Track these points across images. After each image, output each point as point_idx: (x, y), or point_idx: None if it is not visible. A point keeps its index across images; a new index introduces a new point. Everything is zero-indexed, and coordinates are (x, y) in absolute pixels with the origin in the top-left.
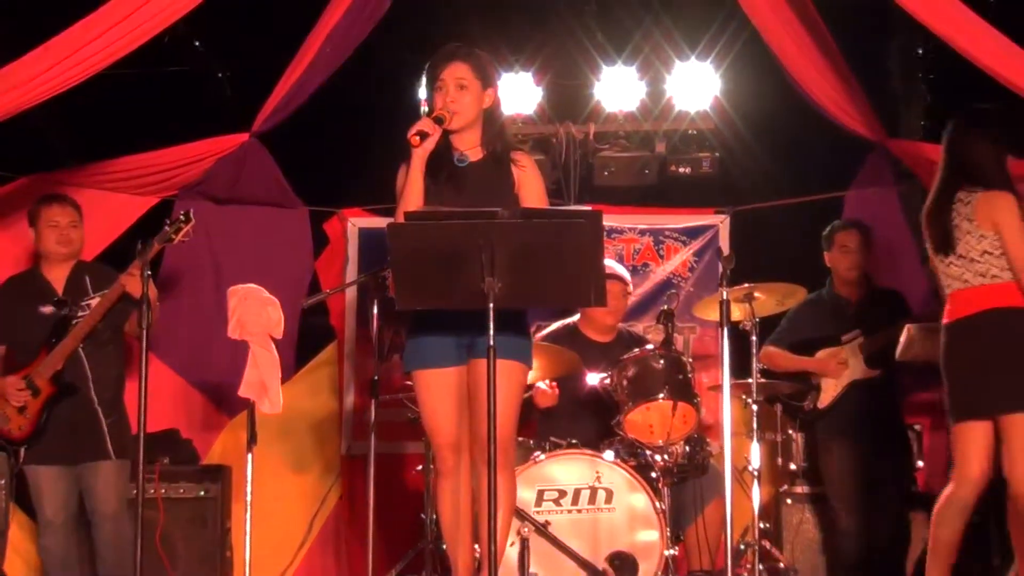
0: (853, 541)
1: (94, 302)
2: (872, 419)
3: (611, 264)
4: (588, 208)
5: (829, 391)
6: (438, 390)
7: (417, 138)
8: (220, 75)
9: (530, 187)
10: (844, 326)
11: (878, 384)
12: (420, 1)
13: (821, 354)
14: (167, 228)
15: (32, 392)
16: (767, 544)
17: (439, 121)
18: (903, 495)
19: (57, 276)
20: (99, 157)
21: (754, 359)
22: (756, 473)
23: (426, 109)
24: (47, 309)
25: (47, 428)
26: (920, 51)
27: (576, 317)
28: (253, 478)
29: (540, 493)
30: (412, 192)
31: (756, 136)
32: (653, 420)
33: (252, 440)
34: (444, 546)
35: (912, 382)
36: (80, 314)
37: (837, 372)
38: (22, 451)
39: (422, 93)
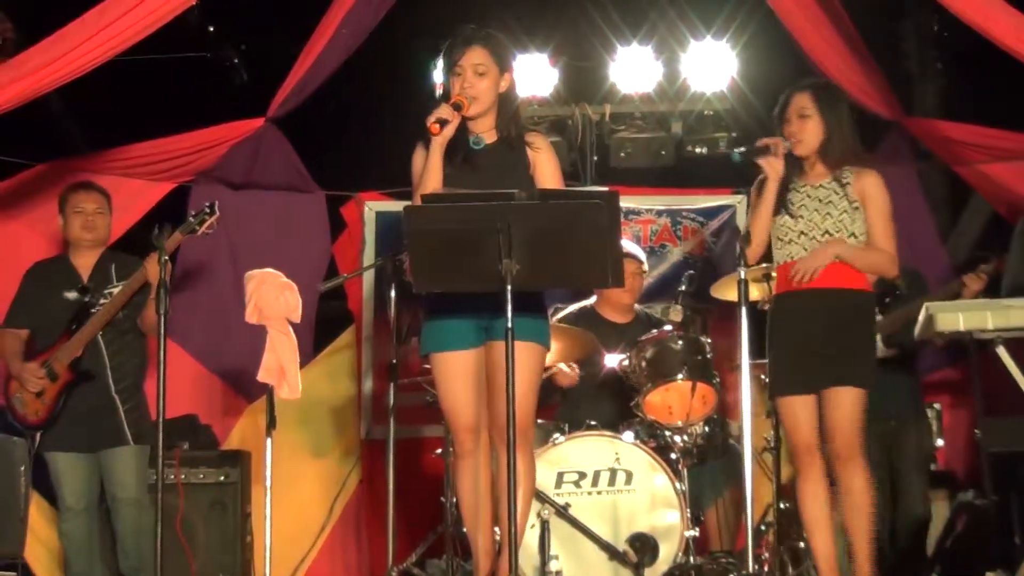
0: (878, 520)
1: (116, 290)
2: (892, 399)
3: (624, 243)
4: (604, 189)
5: None
6: (456, 373)
7: (437, 126)
8: (235, 60)
9: (546, 168)
10: None
11: (897, 363)
12: None
13: None
14: (191, 219)
15: (50, 377)
16: (787, 524)
17: (457, 107)
18: (924, 475)
19: (84, 263)
20: (115, 143)
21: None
22: (776, 453)
23: (442, 92)
24: (71, 295)
25: (63, 414)
26: (935, 29)
27: (593, 299)
28: (272, 463)
29: (560, 475)
30: (431, 178)
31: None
32: (672, 401)
33: (271, 425)
34: (464, 529)
35: (931, 361)
36: (101, 302)
37: None
38: (38, 436)
39: (438, 75)
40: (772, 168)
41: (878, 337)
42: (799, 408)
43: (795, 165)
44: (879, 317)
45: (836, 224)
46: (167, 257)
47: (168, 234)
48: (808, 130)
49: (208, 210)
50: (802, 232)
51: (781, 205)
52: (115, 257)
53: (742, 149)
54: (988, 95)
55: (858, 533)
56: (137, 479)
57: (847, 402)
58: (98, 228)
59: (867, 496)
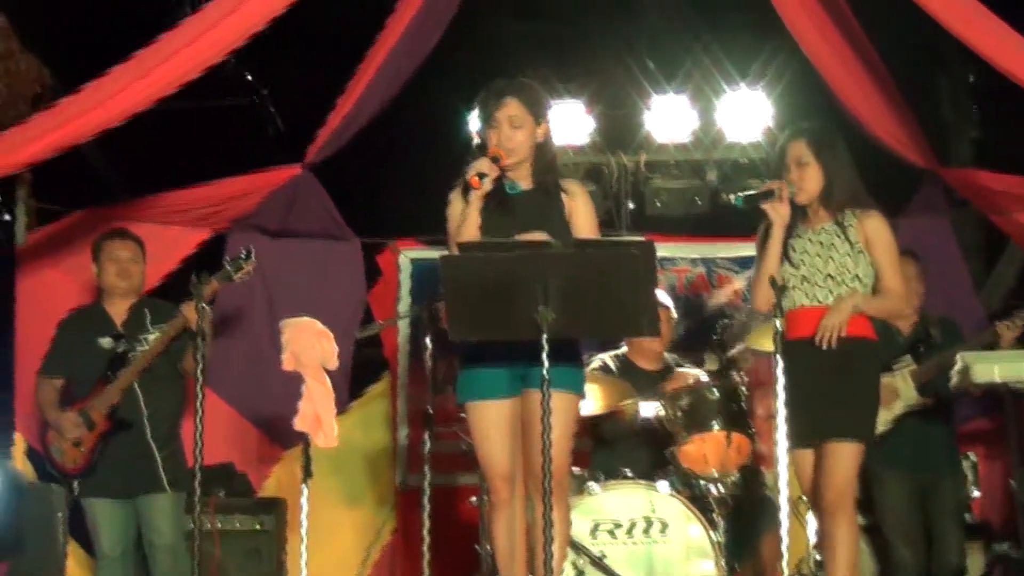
0: (909, 573)
1: (152, 337)
2: (926, 448)
3: None
4: (641, 238)
5: (882, 420)
6: (492, 422)
7: (477, 179)
8: (272, 108)
9: (582, 217)
10: (895, 353)
11: (932, 412)
12: (471, 32)
13: None
14: (227, 267)
15: (87, 426)
16: (822, 575)
17: (496, 160)
18: (960, 525)
19: (118, 311)
20: (152, 191)
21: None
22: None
23: (479, 143)
24: (106, 342)
25: (101, 462)
26: (971, 78)
27: (623, 348)
28: (308, 511)
29: (595, 524)
30: (469, 229)
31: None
32: (707, 450)
33: (307, 473)
34: None
35: (967, 411)
36: (138, 348)
37: (887, 401)
38: (76, 484)
39: (474, 124)
40: (778, 213)
41: (913, 387)
42: (803, 462)
43: (797, 212)
44: (913, 366)
45: (838, 268)
46: (205, 304)
47: (206, 282)
48: (808, 177)
49: (244, 256)
50: (804, 278)
51: (783, 252)
52: (149, 304)
53: (746, 193)
54: (1023, 144)
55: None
56: (173, 526)
57: (845, 456)
58: (132, 276)
59: (852, 546)
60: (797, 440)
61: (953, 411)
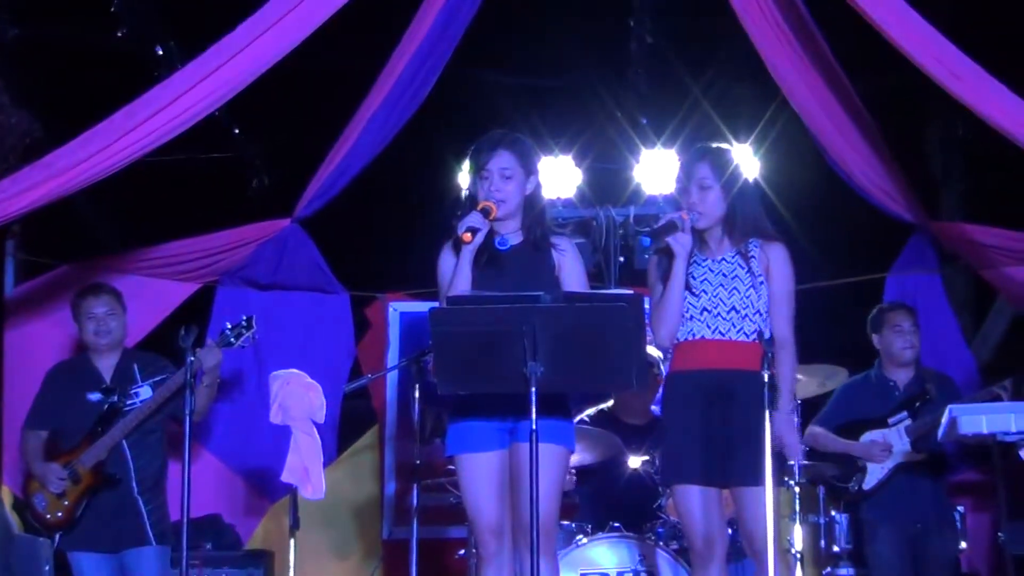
0: None
1: (143, 391)
2: (918, 502)
3: None
4: (630, 292)
5: (875, 473)
6: (480, 474)
7: (468, 234)
8: (259, 161)
9: (571, 271)
10: (891, 408)
11: (925, 467)
12: (461, 86)
13: (866, 438)
14: (227, 331)
15: (72, 480)
16: None
17: (486, 213)
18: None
19: (106, 364)
20: (140, 243)
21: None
22: (799, 555)
23: (467, 195)
24: (94, 397)
25: (86, 516)
26: (959, 133)
27: (610, 403)
28: (296, 563)
29: None
30: (460, 284)
31: (796, 218)
32: None
33: (295, 525)
34: None
35: (953, 463)
36: (128, 403)
37: (881, 458)
38: (57, 537)
39: (463, 178)
40: (680, 244)
41: (907, 441)
42: (696, 499)
43: (695, 238)
44: (908, 422)
45: (743, 301)
46: (192, 358)
47: (194, 335)
48: (709, 202)
49: (244, 323)
50: (705, 309)
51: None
52: (137, 356)
53: (649, 228)
54: (1012, 198)
55: None
56: None
57: (763, 501)
58: (112, 331)
59: None
60: (684, 477)
61: (947, 466)
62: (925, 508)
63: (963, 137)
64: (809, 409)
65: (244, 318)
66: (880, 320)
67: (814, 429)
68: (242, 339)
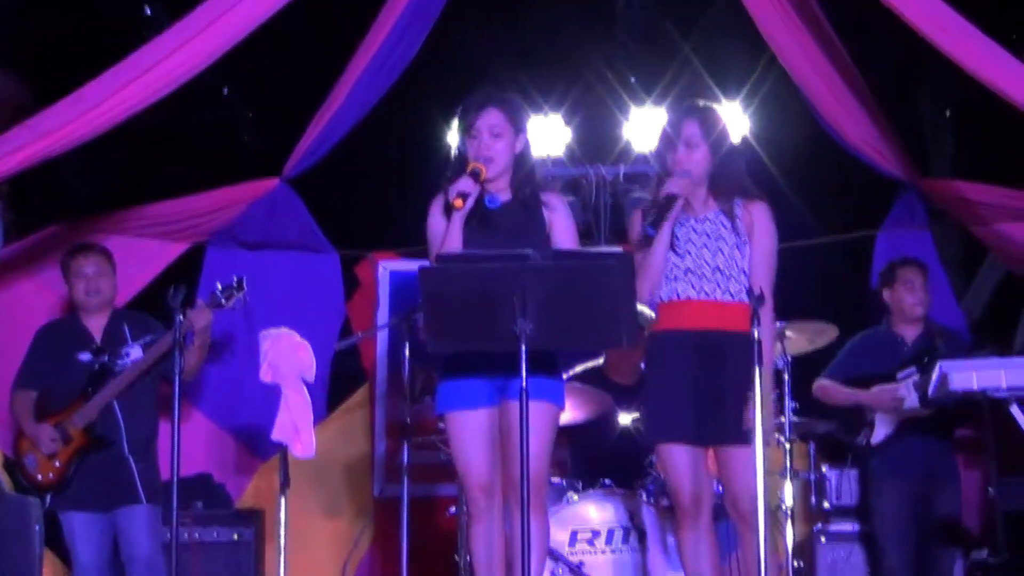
0: None
1: (134, 351)
2: (925, 459)
3: None
4: (619, 249)
5: (883, 428)
6: (470, 432)
7: (460, 200)
8: (248, 121)
9: (561, 228)
10: (900, 363)
11: (933, 423)
12: (450, 44)
13: (876, 389)
14: (218, 292)
15: (63, 440)
16: None
17: (476, 175)
18: (952, 537)
19: (96, 324)
20: (130, 204)
21: (787, 398)
22: (789, 512)
23: (457, 155)
24: (84, 357)
25: (77, 476)
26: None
27: (600, 361)
28: (286, 522)
29: (573, 534)
30: (451, 247)
31: (786, 175)
32: None
33: (285, 484)
34: None
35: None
36: (119, 363)
37: (891, 408)
38: (48, 497)
39: (452, 137)
40: (680, 191)
41: (915, 397)
42: (684, 457)
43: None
44: (916, 377)
45: (727, 261)
46: (181, 318)
47: (183, 295)
48: (697, 160)
49: (235, 284)
50: (689, 269)
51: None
52: (127, 317)
53: (646, 205)
54: (1002, 155)
55: None
56: (151, 538)
57: (751, 461)
58: (102, 291)
59: (773, 552)
60: (672, 435)
61: (954, 423)
62: (932, 465)
63: (953, 94)
64: (799, 366)
65: (235, 279)
66: (891, 275)
67: (822, 381)
68: (233, 300)
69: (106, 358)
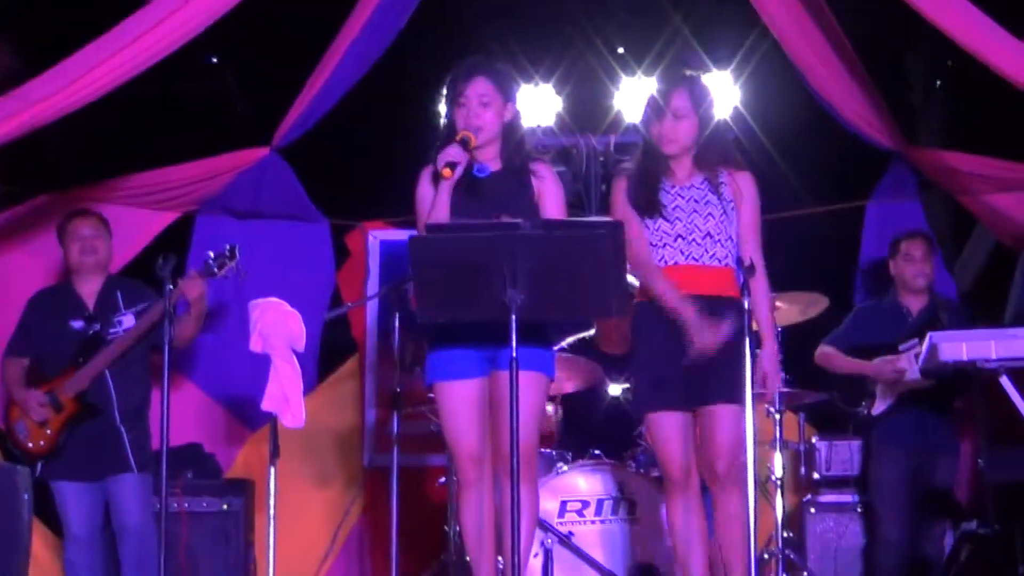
0: (893, 550)
1: (126, 319)
2: (926, 431)
3: None
4: (610, 219)
5: (884, 398)
6: (460, 402)
7: (448, 170)
8: (238, 90)
9: (551, 198)
10: (903, 334)
11: (934, 395)
12: (440, 13)
13: (878, 360)
14: (210, 261)
15: (54, 408)
16: (790, 553)
17: (464, 143)
18: (948, 509)
19: (89, 291)
20: (118, 174)
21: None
22: (779, 482)
23: (446, 124)
24: (77, 324)
25: (68, 445)
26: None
27: (591, 332)
28: (276, 491)
29: (563, 504)
30: (439, 216)
31: (776, 146)
32: None
33: (275, 454)
34: (468, 558)
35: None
36: (111, 331)
37: (892, 379)
38: (39, 465)
39: (442, 106)
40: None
41: (917, 368)
42: (674, 426)
43: (660, 164)
44: (919, 348)
45: (717, 226)
46: (171, 287)
47: (172, 264)
48: (682, 130)
49: (228, 253)
50: (679, 235)
51: (652, 208)
52: (121, 284)
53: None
54: (992, 125)
55: (738, 554)
56: (142, 507)
57: (734, 420)
58: (98, 251)
59: (747, 518)
60: (662, 404)
61: (955, 395)
62: (931, 437)
63: (943, 64)
64: (789, 337)
65: (227, 247)
66: (895, 247)
67: (825, 349)
68: (225, 269)
69: (98, 326)
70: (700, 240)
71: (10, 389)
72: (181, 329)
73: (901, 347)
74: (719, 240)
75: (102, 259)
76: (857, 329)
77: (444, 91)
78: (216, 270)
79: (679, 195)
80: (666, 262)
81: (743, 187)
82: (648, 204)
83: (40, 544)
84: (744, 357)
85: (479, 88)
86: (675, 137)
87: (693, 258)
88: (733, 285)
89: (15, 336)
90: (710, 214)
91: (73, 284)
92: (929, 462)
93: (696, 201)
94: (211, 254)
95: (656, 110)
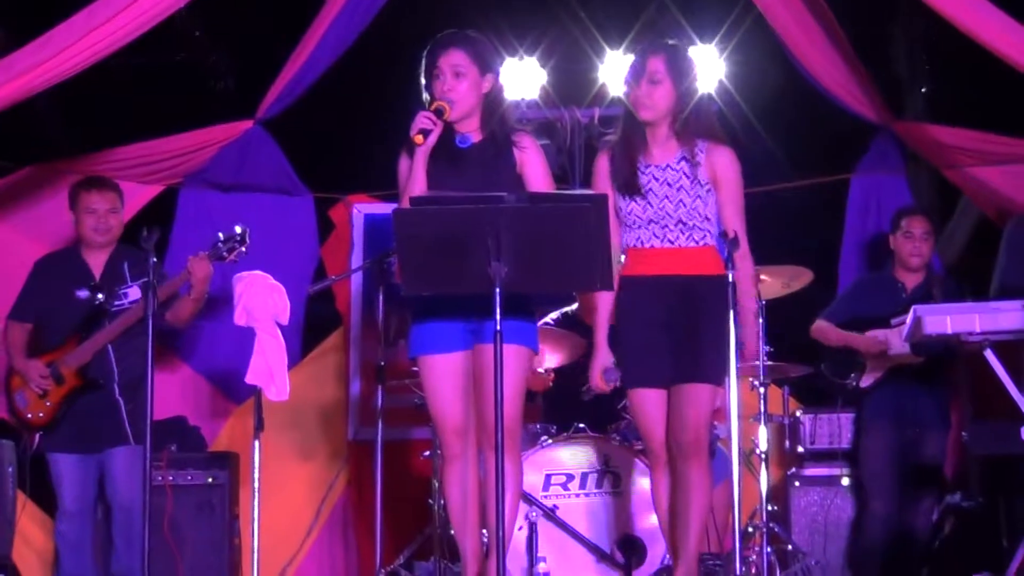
0: (880, 523)
1: (131, 291)
2: (917, 406)
3: None
4: (594, 192)
5: (873, 372)
6: (444, 375)
7: (420, 136)
8: (222, 63)
9: (533, 169)
10: (896, 308)
11: (925, 370)
12: None
13: (868, 334)
14: (220, 244)
15: (56, 380)
16: (775, 526)
17: (439, 113)
18: (936, 484)
19: (96, 260)
20: (103, 146)
21: (761, 341)
22: (764, 456)
23: (426, 96)
24: (82, 294)
25: (66, 418)
26: (925, 33)
27: (575, 306)
28: (260, 465)
29: (547, 477)
30: (415, 186)
31: (761, 119)
32: None
33: (259, 427)
34: (452, 531)
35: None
36: (116, 303)
37: (876, 352)
38: (37, 437)
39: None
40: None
41: (907, 344)
42: (650, 402)
43: (638, 140)
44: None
45: (689, 213)
46: (154, 259)
47: (156, 237)
48: (659, 96)
49: (239, 237)
50: (652, 220)
51: (628, 188)
52: (128, 254)
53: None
54: (977, 99)
55: (693, 523)
56: (134, 480)
57: (703, 399)
58: (111, 228)
59: (707, 491)
60: (641, 381)
61: (947, 371)
62: (922, 412)
63: (928, 38)
64: (772, 310)
65: (238, 231)
66: (896, 221)
67: (819, 323)
68: (234, 253)
69: (103, 296)
70: (672, 226)
71: (12, 356)
72: (180, 309)
73: (893, 321)
74: (694, 225)
75: (115, 235)
76: (852, 302)
77: (423, 64)
78: (225, 254)
79: (653, 176)
80: (643, 243)
81: (719, 165)
82: (627, 184)
83: (28, 521)
84: (728, 335)
85: (453, 59)
86: (650, 103)
87: (669, 240)
88: (713, 264)
89: (19, 300)
90: (681, 201)
91: (80, 252)
92: (918, 436)
93: (670, 184)
94: (221, 236)
95: (636, 75)
